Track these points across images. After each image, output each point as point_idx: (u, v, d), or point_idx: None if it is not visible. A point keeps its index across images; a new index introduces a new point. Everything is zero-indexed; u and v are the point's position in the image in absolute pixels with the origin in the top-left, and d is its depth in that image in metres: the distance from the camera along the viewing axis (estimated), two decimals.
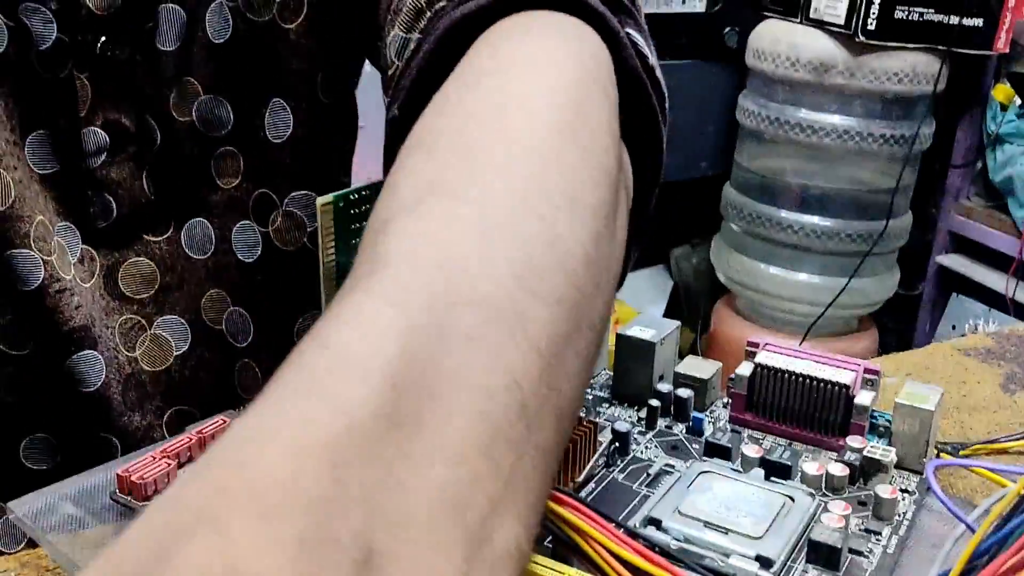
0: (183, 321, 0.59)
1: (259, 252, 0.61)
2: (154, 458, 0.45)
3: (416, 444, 0.20)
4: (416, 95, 0.40)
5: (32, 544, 0.43)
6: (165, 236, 0.58)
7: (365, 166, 0.70)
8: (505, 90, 0.31)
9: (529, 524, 0.22)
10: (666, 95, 0.41)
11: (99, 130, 0.55)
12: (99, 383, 0.55)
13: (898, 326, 2.10)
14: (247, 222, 0.61)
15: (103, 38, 0.53)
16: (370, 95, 0.67)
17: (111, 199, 0.56)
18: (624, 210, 0.35)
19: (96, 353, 0.55)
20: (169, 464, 0.44)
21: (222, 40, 0.56)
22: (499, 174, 0.28)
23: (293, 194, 0.61)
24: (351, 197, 0.45)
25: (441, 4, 0.43)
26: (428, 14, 0.45)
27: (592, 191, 0.29)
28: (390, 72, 0.50)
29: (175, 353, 0.59)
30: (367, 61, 0.63)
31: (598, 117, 0.32)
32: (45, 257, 0.53)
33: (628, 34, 0.39)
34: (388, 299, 0.23)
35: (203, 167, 0.58)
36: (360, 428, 0.20)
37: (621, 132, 0.34)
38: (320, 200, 0.44)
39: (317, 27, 0.58)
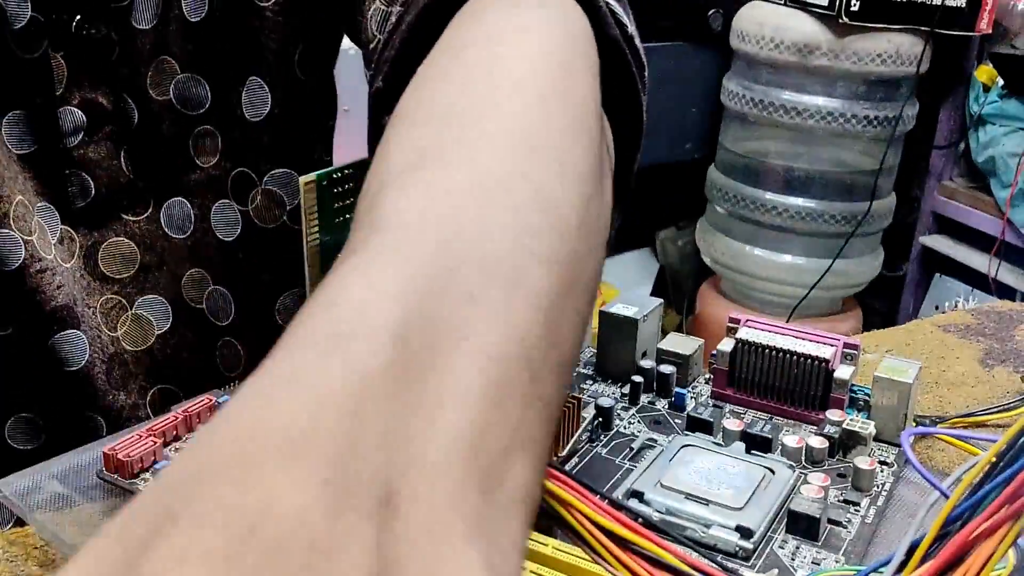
0: (164, 301, 0.59)
1: (239, 231, 0.61)
2: (140, 437, 0.45)
3: (426, 395, 0.21)
4: (400, 67, 0.40)
5: (20, 523, 0.43)
6: (144, 216, 0.58)
7: (349, 147, 0.70)
8: (491, 59, 0.32)
9: (538, 471, 0.23)
10: (645, 64, 0.42)
11: (76, 109, 0.54)
12: (82, 362, 0.56)
13: (882, 307, 2.12)
14: (226, 201, 0.61)
15: (78, 16, 0.53)
16: (352, 77, 0.67)
17: (89, 179, 0.56)
18: (609, 175, 0.36)
19: (79, 333, 0.55)
20: (155, 443, 0.45)
21: (198, 18, 0.56)
22: (489, 141, 0.28)
23: (272, 172, 0.61)
24: (334, 176, 0.46)
25: None
26: None
27: (582, 156, 0.29)
28: (372, 45, 0.51)
29: (157, 332, 0.59)
30: (345, 38, 0.63)
31: (582, 84, 0.32)
32: (25, 237, 0.53)
33: (607, 3, 0.39)
34: (390, 260, 0.24)
35: (181, 146, 0.58)
36: (372, 380, 0.21)
37: (602, 100, 0.34)
38: (303, 179, 0.44)
39: (292, 4, 0.58)
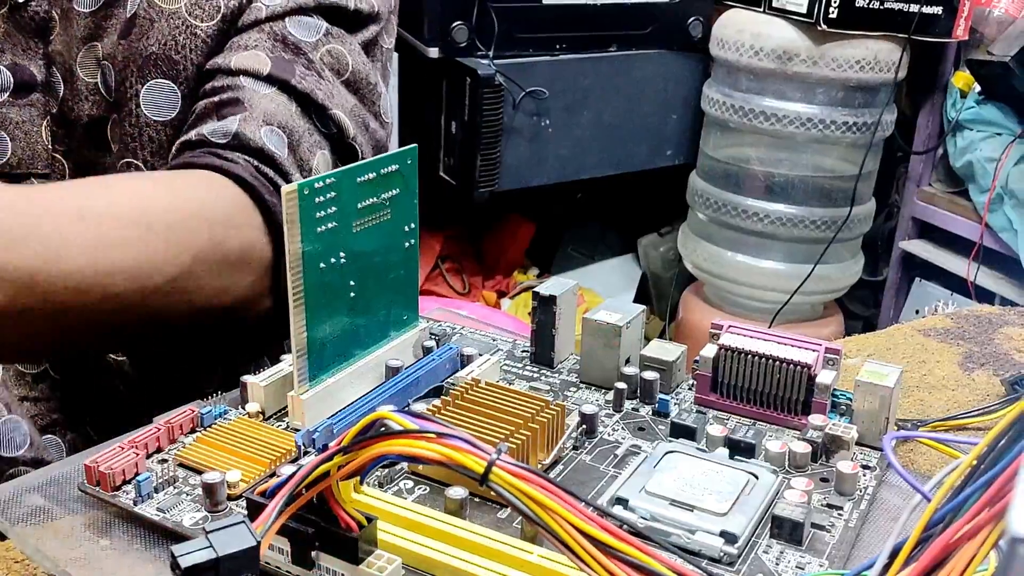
0: None
1: None
2: (121, 449, 0.45)
3: None
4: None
5: (0, 536, 0.43)
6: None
7: None
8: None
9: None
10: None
11: (4, 69, 0.57)
12: None
13: (863, 311, 2.13)
14: None
15: None
16: None
17: (8, 139, 0.58)
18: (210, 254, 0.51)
19: None
20: (137, 455, 0.44)
21: (131, 13, 0.57)
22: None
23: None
24: (316, 185, 0.45)
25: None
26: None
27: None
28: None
29: None
30: None
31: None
32: None
33: (270, 190, 0.55)
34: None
35: (100, 130, 0.59)
36: None
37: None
38: (285, 188, 0.44)
39: (223, 36, 0.59)
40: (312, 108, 0.58)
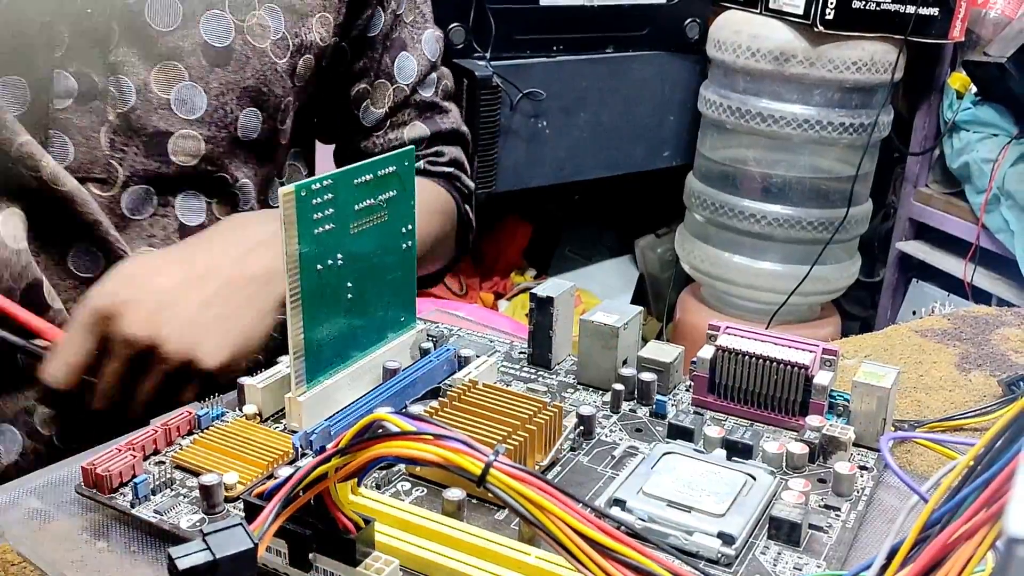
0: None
1: (203, 219, 0.66)
2: (119, 451, 0.45)
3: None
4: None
5: None
6: (108, 193, 0.62)
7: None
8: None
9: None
10: (471, 197, 0.85)
11: (70, 76, 0.59)
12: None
13: (860, 312, 2.13)
14: (191, 192, 0.65)
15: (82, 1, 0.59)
16: None
17: (69, 142, 0.60)
18: (451, 225, 0.82)
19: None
20: (134, 457, 0.44)
21: (220, 45, 0.63)
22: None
23: (244, 181, 0.67)
24: (312, 187, 0.45)
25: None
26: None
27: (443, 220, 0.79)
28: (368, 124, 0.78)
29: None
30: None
31: (443, 204, 0.80)
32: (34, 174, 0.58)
33: (461, 189, 0.83)
34: None
35: (161, 142, 0.63)
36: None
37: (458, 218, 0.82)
38: (282, 190, 0.44)
39: (292, 69, 0.67)
40: (455, 135, 0.83)
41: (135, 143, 0.62)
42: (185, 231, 0.65)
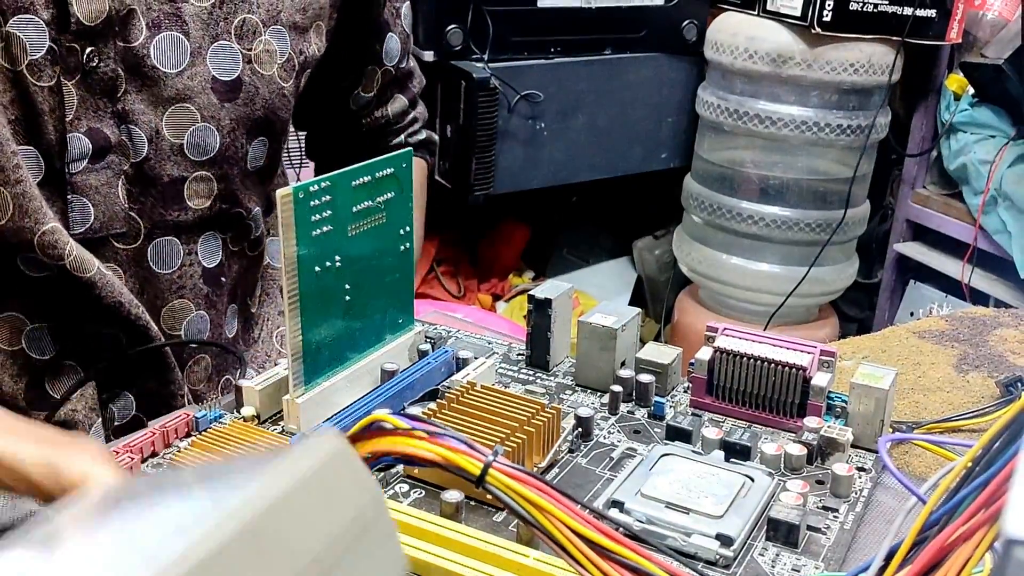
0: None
1: (220, 257, 0.65)
2: (117, 453, 0.45)
3: None
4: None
5: None
6: (133, 247, 0.60)
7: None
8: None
9: None
10: (435, 152, 0.90)
11: (83, 136, 0.56)
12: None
13: (857, 314, 2.13)
14: (211, 232, 0.64)
15: (90, 48, 0.56)
16: None
17: (89, 204, 0.58)
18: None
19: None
20: (132, 459, 0.44)
21: (228, 78, 0.61)
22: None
23: (255, 210, 0.67)
24: (310, 189, 0.45)
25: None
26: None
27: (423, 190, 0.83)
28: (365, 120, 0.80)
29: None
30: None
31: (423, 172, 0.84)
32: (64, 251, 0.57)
33: (432, 150, 0.89)
34: None
35: (178, 188, 0.61)
36: None
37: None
38: (280, 192, 0.44)
39: (296, 90, 0.66)
40: (420, 85, 0.86)
41: (152, 193, 0.60)
42: (207, 275, 0.64)
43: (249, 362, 0.70)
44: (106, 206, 0.58)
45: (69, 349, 0.60)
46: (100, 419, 0.60)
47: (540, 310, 0.56)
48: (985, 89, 1.73)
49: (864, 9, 1.65)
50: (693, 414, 0.51)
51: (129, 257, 0.60)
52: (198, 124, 0.60)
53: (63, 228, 0.56)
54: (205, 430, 0.48)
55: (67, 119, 0.56)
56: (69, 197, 0.57)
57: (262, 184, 0.67)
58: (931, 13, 1.68)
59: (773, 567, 0.39)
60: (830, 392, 0.50)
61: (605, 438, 0.49)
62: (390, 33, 0.75)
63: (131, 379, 0.62)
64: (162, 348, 0.61)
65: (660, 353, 0.54)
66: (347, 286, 0.49)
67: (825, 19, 1.63)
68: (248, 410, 0.49)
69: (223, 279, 0.65)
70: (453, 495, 0.42)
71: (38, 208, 0.55)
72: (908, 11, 1.66)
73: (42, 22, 0.53)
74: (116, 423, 0.62)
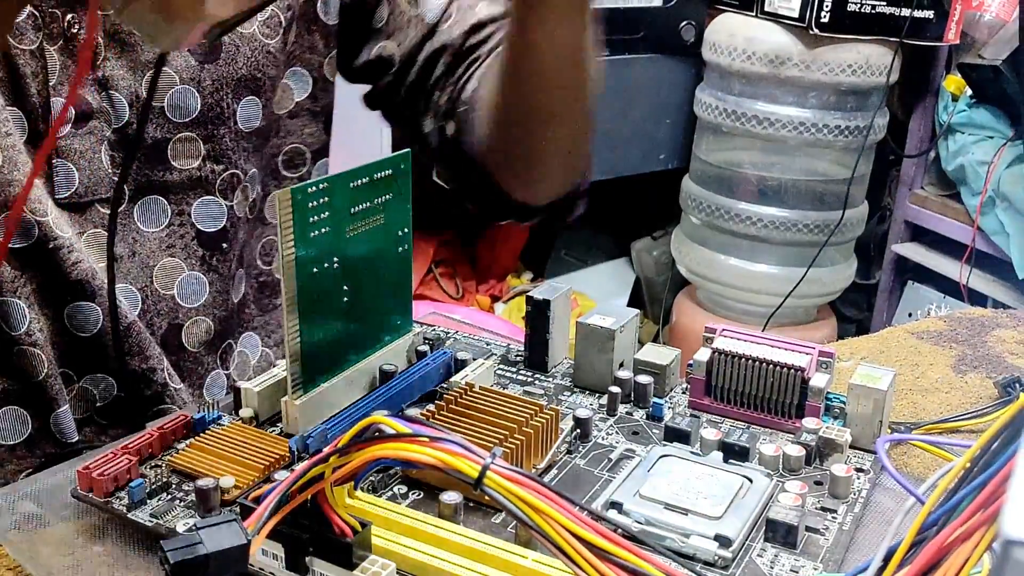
0: (134, 289, 0.63)
1: (222, 223, 0.65)
2: (115, 454, 0.45)
3: None
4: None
5: None
6: (119, 209, 0.61)
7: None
8: None
9: None
10: None
11: (65, 101, 0.57)
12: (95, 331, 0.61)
13: (856, 314, 2.13)
14: (210, 197, 0.64)
15: (70, 15, 0.57)
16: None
17: (74, 169, 0.59)
18: None
19: (93, 305, 0.60)
20: (130, 460, 0.44)
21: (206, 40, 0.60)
22: None
23: (253, 172, 0.66)
24: (309, 190, 0.45)
25: None
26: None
27: None
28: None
29: (130, 318, 0.62)
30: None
31: None
32: (40, 219, 0.58)
33: None
34: None
35: (162, 150, 0.62)
36: None
37: None
38: (279, 193, 0.44)
39: (284, 46, 0.65)
40: None
41: (136, 157, 0.61)
42: (203, 239, 0.64)
43: (263, 331, 0.72)
44: (90, 170, 0.59)
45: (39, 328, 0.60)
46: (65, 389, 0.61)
47: (538, 311, 0.56)
48: (983, 90, 1.73)
49: (862, 10, 1.65)
50: (691, 415, 0.51)
51: (115, 219, 0.61)
52: (176, 87, 0.61)
53: (47, 194, 0.58)
54: (204, 431, 0.48)
55: (50, 84, 0.57)
56: (54, 161, 0.58)
57: (262, 145, 0.67)
58: (929, 14, 1.69)
59: (772, 568, 0.39)
60: (828, 393, 0.50)
61: (603, 439, 0.49)
62: None
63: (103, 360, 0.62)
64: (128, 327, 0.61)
65: (658, 354, 0.54)
66: (345, 287, 0.49)
67: (823, 20, 1.64)
68: (247, 411, 0.49)
69: (224, 244, 0.65)
70: (451, 496, 0.41)
71: (25, 163, 0.56)
72: (906, 12, 1.67)
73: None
74: (98, 404, 0.63)
